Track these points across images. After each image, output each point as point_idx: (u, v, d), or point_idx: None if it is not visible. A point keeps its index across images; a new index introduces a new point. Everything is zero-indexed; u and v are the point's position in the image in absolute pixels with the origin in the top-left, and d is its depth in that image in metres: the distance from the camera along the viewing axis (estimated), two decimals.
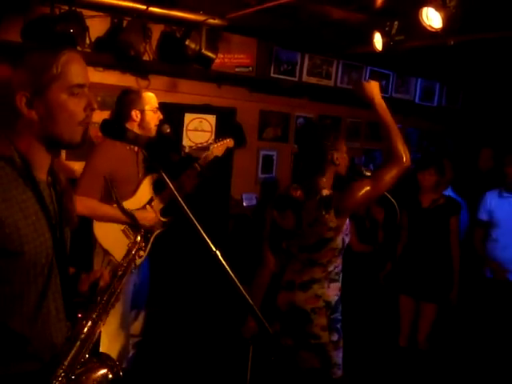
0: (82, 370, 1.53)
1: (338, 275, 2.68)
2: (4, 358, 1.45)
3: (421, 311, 4.14)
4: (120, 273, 1.70)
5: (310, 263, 2.65)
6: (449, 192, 4.64)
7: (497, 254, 4.21)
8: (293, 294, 2.66)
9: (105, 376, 1.58)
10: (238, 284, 1.43)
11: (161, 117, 3.33)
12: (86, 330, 1.55)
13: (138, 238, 1.79)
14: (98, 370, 1.58)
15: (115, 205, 3.08)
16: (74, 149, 1.56)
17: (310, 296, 2.63)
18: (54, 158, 1.57)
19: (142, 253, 3.24)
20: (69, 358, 1.50)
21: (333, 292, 2.65)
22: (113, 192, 1.94)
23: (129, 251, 1.76)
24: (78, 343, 1.53)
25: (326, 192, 2.59)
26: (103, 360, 1.63)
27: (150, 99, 3.29)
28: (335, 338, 2.63)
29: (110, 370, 1.60)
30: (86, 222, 3.13)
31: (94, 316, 1.58)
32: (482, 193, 4.39)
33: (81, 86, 1.49)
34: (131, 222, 3.06)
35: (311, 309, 2.62)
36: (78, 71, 1.49)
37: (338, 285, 2.68)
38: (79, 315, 1.59)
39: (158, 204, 3.30)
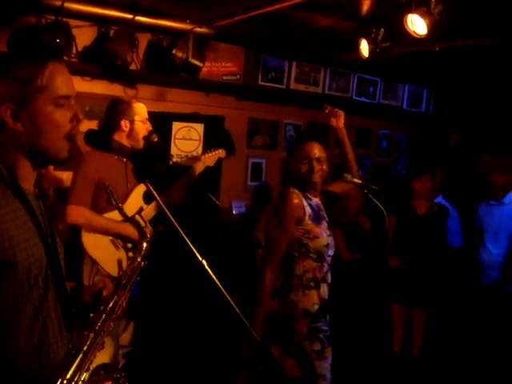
0: (88, 382, 1.44)
1: (316, 283, 2.70)
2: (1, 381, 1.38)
3: (413, 318, 4.14)
4: (124, 281, 1.61)
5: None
6: (440, 199, 4.70)
7: (484, 259, 4.39)
8: (273, 301, 2.72)
9: None
10: (225, 293, 1.43)
11: (150, 128, 3.32)
12: (88, 341, 1.47)
13: (144, 244, 1.68)
14: (105, 383, 1.51)
15: (106, 214, 3.12)
16: (60, 164, 1.55)
17: (287, 303, 2.69)
18: (41, 171, 1.55)
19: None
20: (71, 371, 1.41)
21: (310, 300, 2.68)
22: (112, 199, 1.88)
23: (134, 258, 1.67)
24: (81, 355, 1.44)
25: None
26: (110, 372, 1.56)
27: (140, 110, 3.29)
28: (318, 347, 2.65)
29: (116, 382, 1.54)
30: (75, 232, 3.11)
31: (97, 327, 1.51)
32: (474, 200, 4.51)
33: (66, 97, 1.47)
34: (124, 234, 3.07)
35: (289, 315, 2.67)
36: (64, 82, 1.47)
37: (316, 293, 2.70)
38: (80, 327, 1.53)
39: (148, 214, 3.28)
